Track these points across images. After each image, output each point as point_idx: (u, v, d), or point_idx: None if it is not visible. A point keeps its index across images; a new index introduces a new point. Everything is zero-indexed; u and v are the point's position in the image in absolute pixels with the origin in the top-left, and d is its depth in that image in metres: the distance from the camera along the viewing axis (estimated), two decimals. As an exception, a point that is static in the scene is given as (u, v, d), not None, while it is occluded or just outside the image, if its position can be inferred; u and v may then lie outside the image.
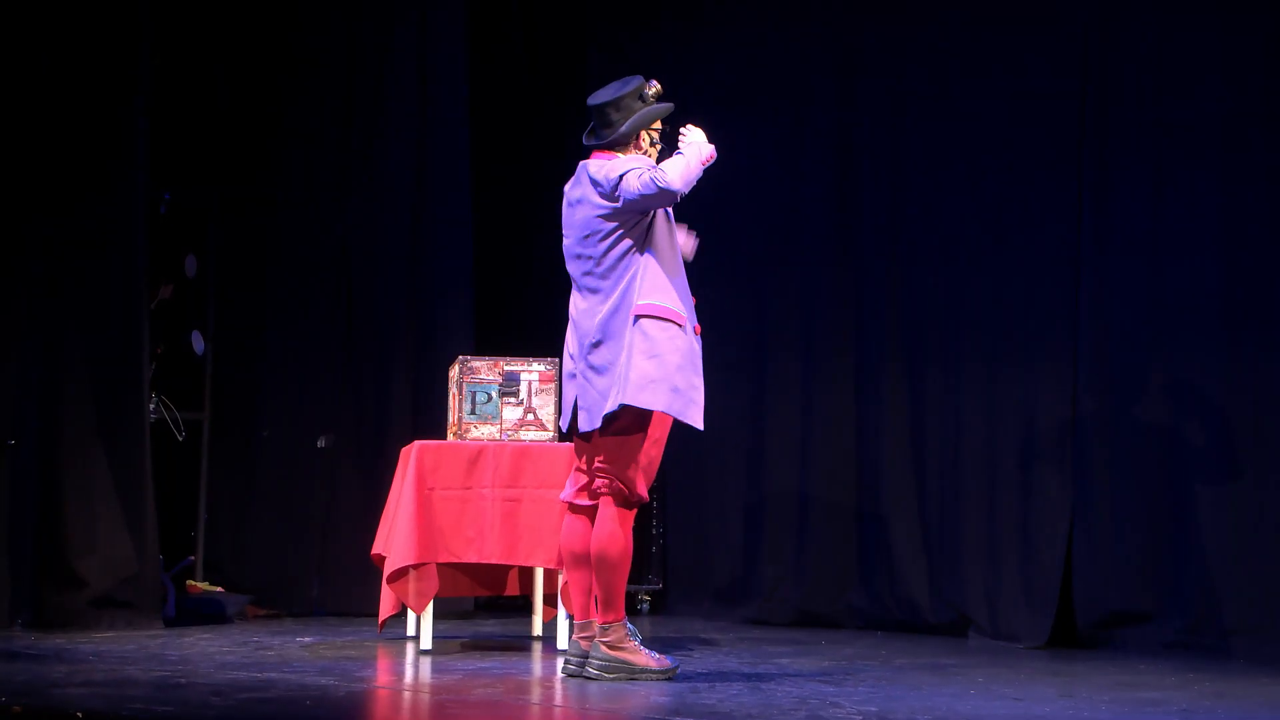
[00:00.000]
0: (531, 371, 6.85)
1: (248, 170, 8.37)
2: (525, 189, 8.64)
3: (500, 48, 8.92)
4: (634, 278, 5.79)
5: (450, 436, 6.92)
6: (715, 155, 5.88)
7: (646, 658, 5.85)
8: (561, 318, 6.08)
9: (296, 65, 8.35)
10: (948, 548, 7.64)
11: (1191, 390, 7.15)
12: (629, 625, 5.92)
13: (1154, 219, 7.28)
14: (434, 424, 7.84)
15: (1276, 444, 6.97)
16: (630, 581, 5.94)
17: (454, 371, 6.96)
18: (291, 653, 6.50)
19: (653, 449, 5.85)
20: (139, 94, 7.26)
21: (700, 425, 5.84)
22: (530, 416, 6.84)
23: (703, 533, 8.39)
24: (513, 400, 6.90)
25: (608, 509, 5.81)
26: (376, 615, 6.93)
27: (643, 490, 5.84)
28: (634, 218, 5.80)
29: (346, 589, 8.03)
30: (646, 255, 5.81)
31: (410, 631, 7.05)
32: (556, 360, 6.73)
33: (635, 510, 5.88)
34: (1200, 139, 7.20)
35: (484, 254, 8.49)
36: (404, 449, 6.84)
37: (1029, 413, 7.46)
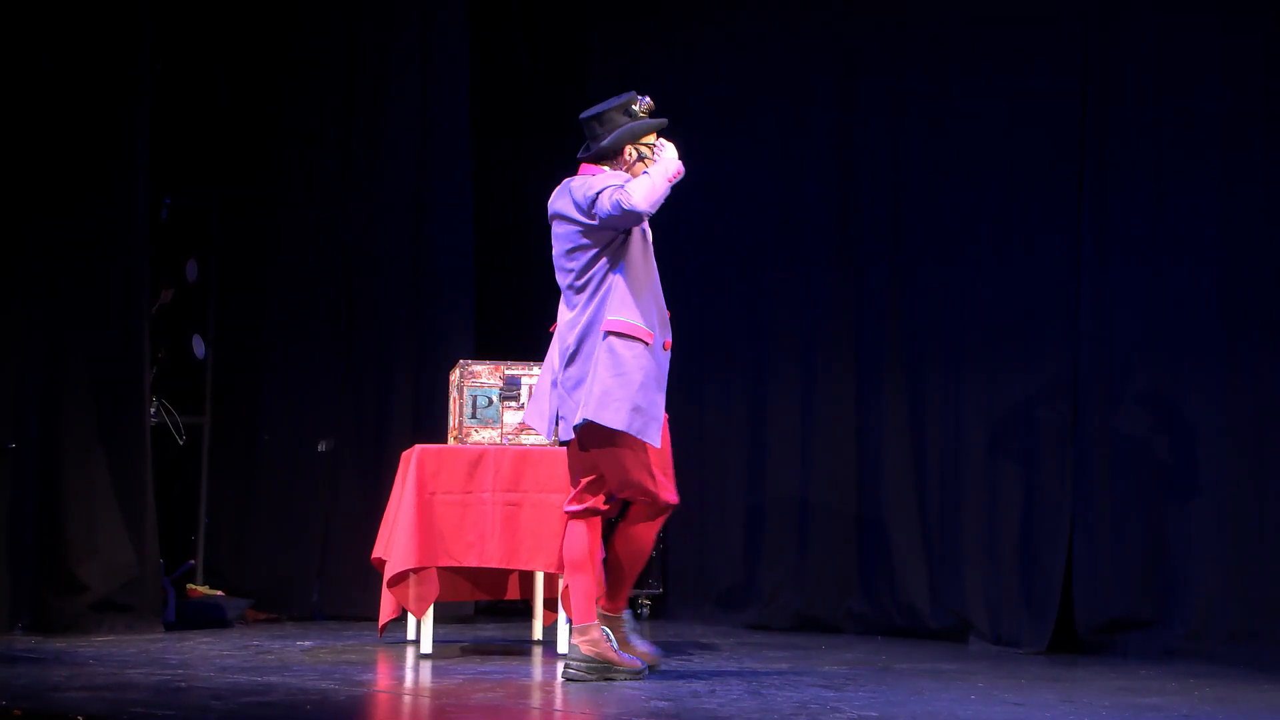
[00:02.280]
0: (532, 375, 6.84)
1: (248, 170, 8.36)
2: (526, 190, 8.62)
3: (501, 48, 8.91)
4: (606, 293, 5.86)
5: (451, 441, 6.91)
6: (683, 172, 5.93)
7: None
8: (562, 321, 6.08)
9: (296, 65, 8.34)
10: (948, 552, 7.63)
11: (1192, 394, 7.13)
12: (629, 620, 5.97)
13: (1154, 220, 7.26)
14: (435, 428, 7.83)
15: (1277, 448, 6.95)
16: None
17: (454, 375, 6.94)
18: (292, 657, 6.50)
19: (643, 455, 5.89)
20: (140, 94, 7.25)
21: (657, 444, 5.90)
22: (531, 420, 6.84)
23: (703, 537, 8.37)
24: (514, 404, 6.89)
25: (639, 513, 5.98)
26: (377, 619, 6.92)
27: (667, 495, 5.95)
28: (609, 234, 5.86)
29: (347, 593, 8.04)
30: (619, 271, 5.87)
31: (410, 635, 7.05)
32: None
33: (665, 516, 6.00)
34: (1200, 139, 7.19)
35: (485, 256, 8.47)
36: (405, 453, 6.82)
37: (1029, 417, 7.45)
